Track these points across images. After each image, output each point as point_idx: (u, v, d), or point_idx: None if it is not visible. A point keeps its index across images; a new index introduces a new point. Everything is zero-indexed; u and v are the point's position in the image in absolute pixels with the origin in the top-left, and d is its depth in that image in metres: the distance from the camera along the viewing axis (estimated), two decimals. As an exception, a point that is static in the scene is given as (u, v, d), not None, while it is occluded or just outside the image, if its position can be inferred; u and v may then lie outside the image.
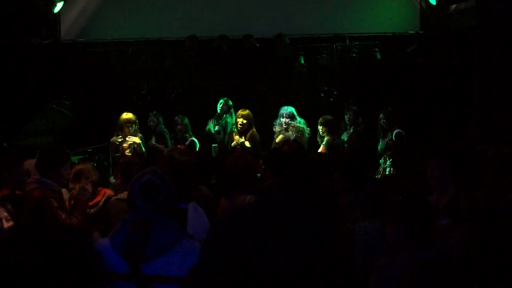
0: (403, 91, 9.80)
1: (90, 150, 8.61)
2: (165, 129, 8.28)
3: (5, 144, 7.97)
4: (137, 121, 7.90)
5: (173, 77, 10.03)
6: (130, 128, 7.77)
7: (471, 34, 7.93)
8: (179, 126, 8.05)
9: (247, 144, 7.67)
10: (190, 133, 8.14)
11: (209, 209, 3.61)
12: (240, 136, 7.75)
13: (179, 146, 7.83)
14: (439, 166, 4.04)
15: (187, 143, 7.94)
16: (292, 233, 0.99)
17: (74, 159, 7.45)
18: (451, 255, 2.92)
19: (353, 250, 3.35)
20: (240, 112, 7.82)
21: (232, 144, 7.79)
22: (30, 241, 1.05)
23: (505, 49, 7.19)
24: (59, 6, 9.37)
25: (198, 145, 8.08)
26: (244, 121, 7.71)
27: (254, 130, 7.81)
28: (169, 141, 8.13)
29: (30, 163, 4.68)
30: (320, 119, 7.82)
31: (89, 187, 4.41)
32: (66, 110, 9.75)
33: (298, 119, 7.91)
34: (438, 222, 3.17)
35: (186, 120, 8.12)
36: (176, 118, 8.13)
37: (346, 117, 8.15)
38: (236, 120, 7.81)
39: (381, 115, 7.79)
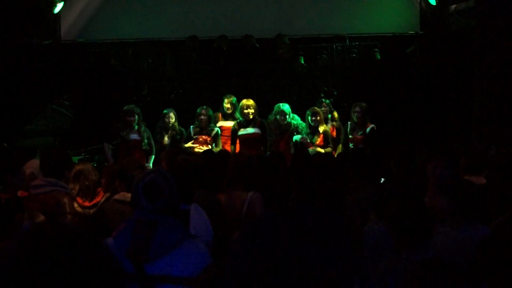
0: (403, 91, 9.81)
1: (90, 150, 8.61)
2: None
3: (5, 144, 7.96)
4: (138, 110, 7.68)
5: (173, 77, 10.03)
6: (132, 119, 7.60)
7: (471, 34, 7.94)
8: (202, 117, 7.80)
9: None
10: (213, 124, 7.90)
11: (209, 210, 3.60)
12: (248, 125, 7.70)
13: (203, 136, 7.72)
14: (441, 165, 4.06)
15: (213, 133, 7.77)
16: (319, 240, 1.03)
17: (74, 159, 7.45)
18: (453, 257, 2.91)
19: (360, 252, 3.33)
20: (245, 102, 7.76)
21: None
22: (53, 241, 1.05)
23: (505, 49, 7.20)
24: (59, 6, 9.38)
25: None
26: (252, 111, 7.70)
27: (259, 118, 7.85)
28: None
29: (32, 164, 4.67)
30: (310, 111, 7.86)
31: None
32: (66, 110, 9.75)
33: (292, 115, 7.89)
34: (438, 224, 3.16)
35: (211, 112, 7.91)
36: (199, 109, 7.87)
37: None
38: (242, 111, 7.73)
39: (356, 109, 7.85)
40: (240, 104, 7.86)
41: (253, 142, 7.54)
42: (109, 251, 1.14)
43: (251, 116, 7.70)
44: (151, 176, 2.58)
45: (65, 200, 4.08)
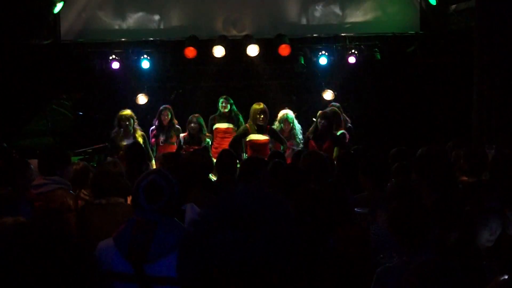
0: (403, 91, 9.80)
1: (90, 150, 8.61)
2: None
3: (5, 144, 7.96)
4: (134, 117, 7.70)
5: (173, 78, 10.02)
6: (128, 124, 7.59)
7: (471, 34, 7.94)
8: (193, 125, 7.73)
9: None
10: (204, 133, 7.84)
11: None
12: (259, 131, 7.51)
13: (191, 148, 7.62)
14: (404, 171, 4.12)
15: (203, 145, 7.68)
16: (263, 225, 1.01)
17: (74, 159, 7.45)
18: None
19: (364, 251, 3.33)
20: (257, 107, 7.55)
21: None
22: (35, 238, 1.05)
23: (505, 49, 7.20)
24: (59, 6, 9.36)
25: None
26: (264, 116, 7.51)
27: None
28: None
29: (32, 164, 4.67)
30: (320, 115, 7.60)
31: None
32: (66, 110, 9.75)
33: (294, 124, 7.84)
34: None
35: (201, 120, 7.83)
36: (190, 117, 7.81)
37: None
38: (256, 116, 7.50)
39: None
40: (252, 109, 7.62)
41: (262, 148, 7.42)
42: (94, 257, 1.13)
43: (262, 123, 7.50)
44: (152, 177, 2.58)
45: (70, 197, 4.14)
